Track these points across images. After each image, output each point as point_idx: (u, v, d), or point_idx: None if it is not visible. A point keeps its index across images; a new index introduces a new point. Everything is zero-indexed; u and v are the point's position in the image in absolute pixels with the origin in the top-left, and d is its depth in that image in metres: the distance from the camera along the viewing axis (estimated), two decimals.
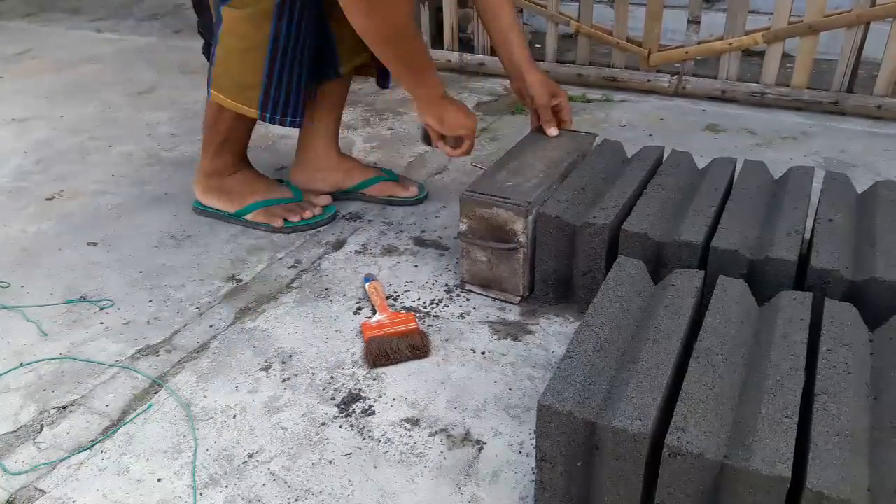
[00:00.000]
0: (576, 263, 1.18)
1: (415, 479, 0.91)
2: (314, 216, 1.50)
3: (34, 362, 1.13)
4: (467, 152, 1.41)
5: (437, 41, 2.42)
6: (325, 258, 1.39)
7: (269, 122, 1.37)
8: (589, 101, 2.14)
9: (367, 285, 1.26)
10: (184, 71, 2.52)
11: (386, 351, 1.11)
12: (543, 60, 2.27)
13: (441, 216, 1.52)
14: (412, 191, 1.58)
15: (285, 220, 1.48)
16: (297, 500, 0.89)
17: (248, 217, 1.50)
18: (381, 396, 1.05)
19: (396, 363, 1.10)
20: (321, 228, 1.49)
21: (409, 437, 0.98)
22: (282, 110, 1.37)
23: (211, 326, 1.21)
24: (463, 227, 1.24)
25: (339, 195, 1.59)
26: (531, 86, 1.42)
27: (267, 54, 1.31)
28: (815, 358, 0.82)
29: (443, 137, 1.39)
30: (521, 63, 1.42)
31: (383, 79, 1.56)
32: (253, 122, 1.48)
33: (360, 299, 1.26)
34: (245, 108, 1.37)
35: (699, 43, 2.05)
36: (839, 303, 0.91)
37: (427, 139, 1.44)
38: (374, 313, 1.20)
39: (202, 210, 1.54)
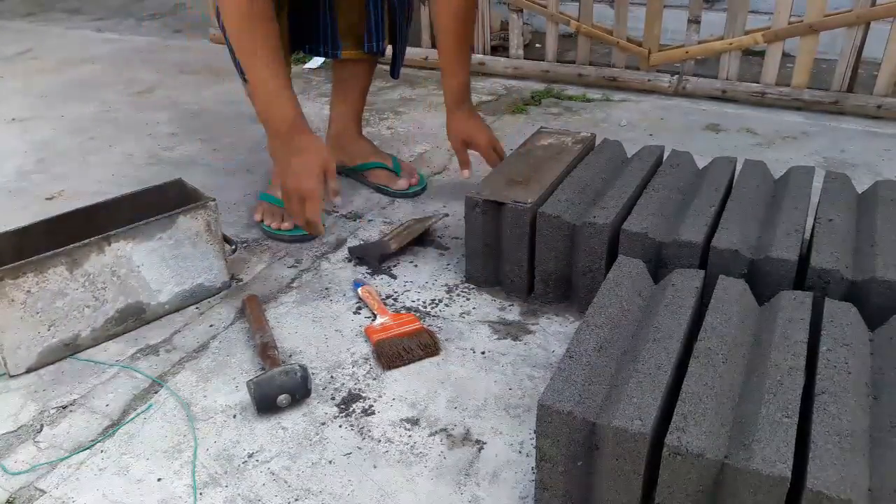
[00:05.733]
0: (576, 263, 1.18)
1: (415, 479, 0.91)
2: (282, 230, 1.43)
3: None
4: (309, 229, 1.27)
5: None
6: (325, 258, 1.39)
7: (246, 84, 1.36)
8: (589, 100, 2.14)
9: (358, 290, 1.26)
10: (184, 71, 2.52)
11: (399, 352, 1.11)
12: (544, 60, 2.28)
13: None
14: (400, 184, 1.59)
15: (261, 220, 1.46)
16: (297, 500, 0.89)
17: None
18: (380, 396, 1.05)
19: (410, 363, 1.10)
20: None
21: (409, 436, 0.98)
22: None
23: (211, 326, 1.21)
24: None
25: (345, 172, 1.64)
26: (448, 128, 1.50)
27: (217, 15, 1.33)
28: (815, 358, 0.82)
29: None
30: (447, 102, 1.49)
31: (393, 68, 1.60)
32: None
33: (360, 299, 1.26)
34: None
35: (699, 43, 2.05)
36: (839, 303, 0.91)
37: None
38: (373, 315, 1.20)
39: None
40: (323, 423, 1.00)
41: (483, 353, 1.13)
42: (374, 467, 0.93)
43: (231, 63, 1.37)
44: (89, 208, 1.23)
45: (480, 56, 2.36)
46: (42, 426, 1.01)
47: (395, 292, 1.28)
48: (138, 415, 1.03)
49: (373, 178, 1.62)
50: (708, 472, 0.71)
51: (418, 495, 0.89)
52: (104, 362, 1.13)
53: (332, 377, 1.08)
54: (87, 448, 0.97)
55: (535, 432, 0.82)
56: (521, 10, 2.25)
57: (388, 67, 1.62)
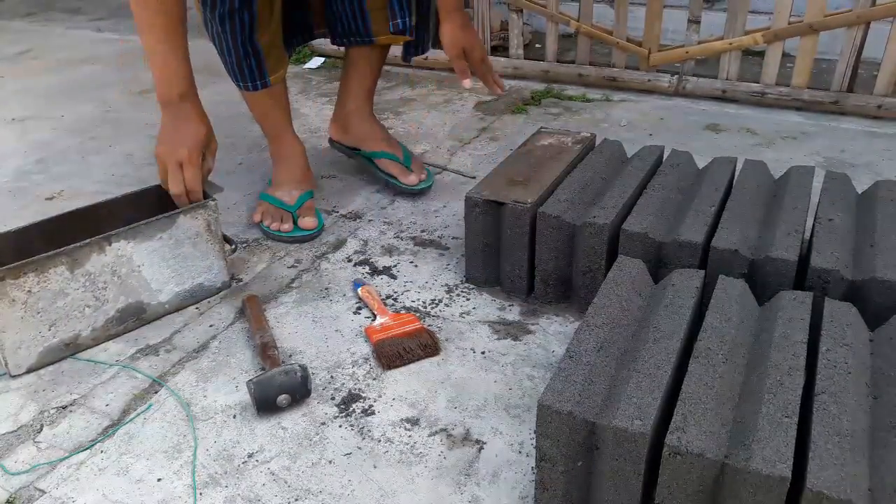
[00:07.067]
0: (576, 263, 1.18)
1: (415, 479, 0.91)
2: (281, 231, 1.43)
3: None
4: (184, 199, 1.21)
5: (438, 41, 2.42)
6: (325, 258, 1.39)
7: (241, 89, 1.41)
8: (589, 100, 2.14)
9: (358, 290, 1.26)
10: None
11: (399, 352, 1.11)
12: (544, 60, 2.28)
13: (441, 215, 1.52)
14: (410, 179, 1.57)
15: (261, 221, 1.46)
16: (296, 500, 0.89)
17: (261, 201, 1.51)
18: (380, 396, 1.05)
19: (410, 363, 1.10)
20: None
21: (409, 436, 0.98)
22: (239, 76, 1.38)
23: (211, 326, 1.21)
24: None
25: (356, 155, 1.65)
26: (442, 35, 1.42)
27: (205, 22, 1.35)
28: (815, 358, 0.82)
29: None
30: (441, 8, 1.42)
31: (406, 51, 1.57)
32: (271, 97, 1.45)
33: (360, 299, 1.26)
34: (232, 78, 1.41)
35: (699, 43, 2.05)
36: (839, 303, 0.91)
37: None
38: (373, 315, 1.20)
39: None
40: (323, 423, 1.00)
41: (483, 353, 1.13)
42: (374, 467, 0.93)
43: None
44: (89, 208, 1.23)
45: None
46: (42, 426, 1.01)
47: (395, 292, 1.28)
48: (138, 415, 1.03)
49: (382, 167, 1.59)
50: (708, 472, 0.71)
51: (418, 495, 0.89)
52: (104, 362, 1.13)
53: (332, 377, 1.09)
54: (87, 448, 0.97)
55: (535, 432, 0.82)
56: (521, 10, 2.25)
57: (394, 67, 1.61)
